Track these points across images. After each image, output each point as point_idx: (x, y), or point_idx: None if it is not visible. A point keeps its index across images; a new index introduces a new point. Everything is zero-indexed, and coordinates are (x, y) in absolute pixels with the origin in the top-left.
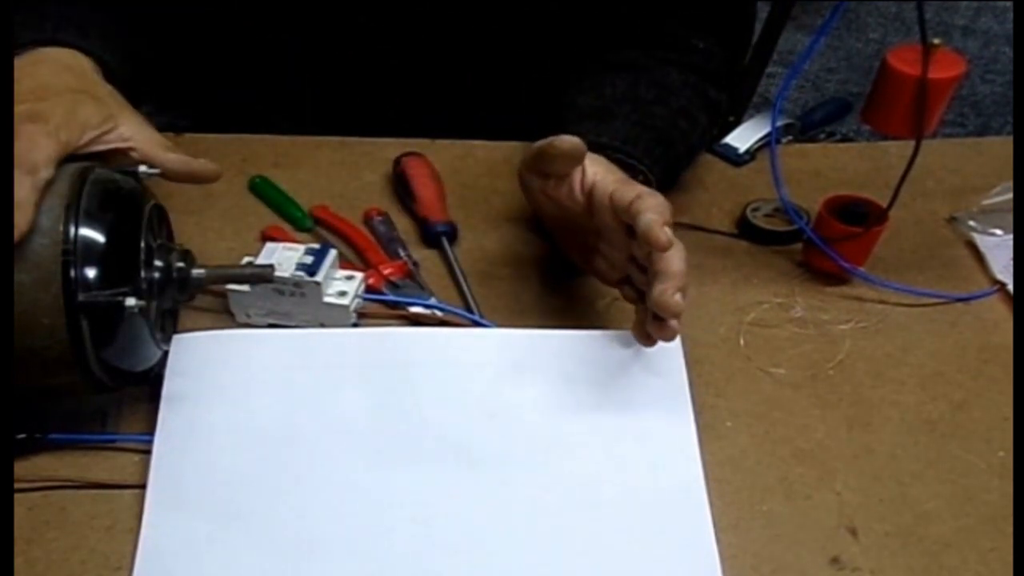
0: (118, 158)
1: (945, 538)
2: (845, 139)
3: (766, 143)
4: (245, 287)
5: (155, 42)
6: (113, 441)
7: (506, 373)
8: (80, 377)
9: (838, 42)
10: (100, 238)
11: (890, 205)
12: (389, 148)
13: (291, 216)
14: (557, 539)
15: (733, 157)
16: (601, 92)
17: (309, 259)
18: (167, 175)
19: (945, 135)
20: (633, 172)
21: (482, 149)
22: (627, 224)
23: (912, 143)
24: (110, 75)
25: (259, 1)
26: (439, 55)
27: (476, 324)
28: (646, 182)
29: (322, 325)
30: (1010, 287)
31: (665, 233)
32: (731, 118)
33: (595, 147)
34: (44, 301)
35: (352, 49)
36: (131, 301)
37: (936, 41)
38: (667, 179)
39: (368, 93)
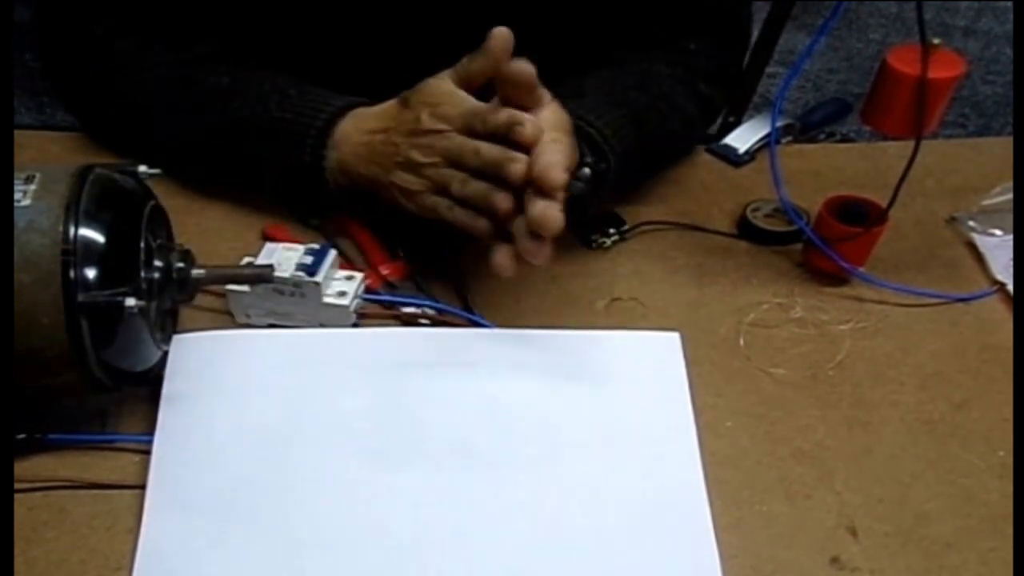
0: None
1: (945, 538)
2: (845, 139)
3: (766, 143)
4: (245, 287)
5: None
6: (113, 441)
7: (506, 373)
8: (80, 377)
9: (838, 42)
10: (100, 238)
11: (890, 205)
12: None
13: None
14: (557, 539)
15: (733, 157)
16: (581, 81)
17: (309, 259)
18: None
19: (946, 136)
20: (592, 145)
21: None
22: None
23: (912, 143)
24: None
25: (259, 3)
26: (437, 56)
27: (476, 324)
28: (603, 157)
29: (322, 325)
30: (1010, 287)
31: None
32: (731, 118)
33: None
34: (44, 301)
35: (351, 50)
36: (131, 301)
37: (936, 41)
38: (638, 160)
39: (368, 93)
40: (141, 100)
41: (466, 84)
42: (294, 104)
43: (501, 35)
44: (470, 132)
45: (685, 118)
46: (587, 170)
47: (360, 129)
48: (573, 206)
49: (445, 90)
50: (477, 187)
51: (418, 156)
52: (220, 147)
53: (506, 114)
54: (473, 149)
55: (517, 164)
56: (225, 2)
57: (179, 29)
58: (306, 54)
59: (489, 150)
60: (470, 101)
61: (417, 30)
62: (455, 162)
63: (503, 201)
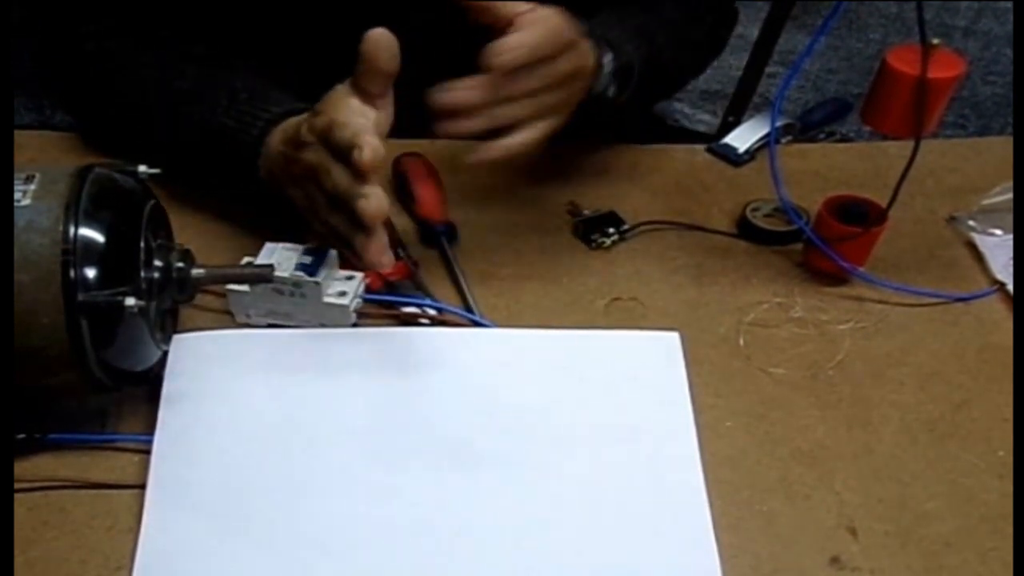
0: None
1: (945, 538)
2: (845, 139)
3: (766, 143)
4: (245, 287)
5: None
6: (113, 441)
7: (506, 373)
8: (80, 377)
9: (838, 42)
10: (100, 238)
11: (890, 205)
12: (388, 148)
13: None
14: (557, 539)
15: (733, 157)
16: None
17: (309, 259)
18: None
19: (946, 136)
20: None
21: None
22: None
23: (912, 143)
24: None
25: (258, 4)
26: (436, 55)
27: (476, 324)
28: (627, 60)
29: (322, 325)
30: (1010, 287)
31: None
32: (731, 118)
33: None
34: (44, 301)
35: (351, 50)
36: (131, 301)
37: (936, 41)
38: (652, 74)
39: None
40: (127, 101)
41: (359, 90)
42: (240, 110)
43: (372, 36)
44: (328, 146)
45: (693, 44)
46: (607, 68)
47: (280, 139)
48: (599, 105)
49: (333, 98)
50: (344, 227)
51: (295, 169)
52: (184, 150)
53: (350, 133)
54: (327, 170)
55: (367, 202)
56: (215, 4)
57: (168, 30)
58: (296, 55)
59: (340, 179)
60: (341, 112)
61: (411, 31)
62: (316, 179)
63: (373, 251)
